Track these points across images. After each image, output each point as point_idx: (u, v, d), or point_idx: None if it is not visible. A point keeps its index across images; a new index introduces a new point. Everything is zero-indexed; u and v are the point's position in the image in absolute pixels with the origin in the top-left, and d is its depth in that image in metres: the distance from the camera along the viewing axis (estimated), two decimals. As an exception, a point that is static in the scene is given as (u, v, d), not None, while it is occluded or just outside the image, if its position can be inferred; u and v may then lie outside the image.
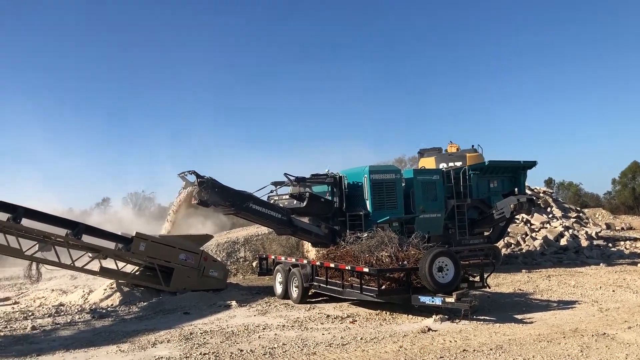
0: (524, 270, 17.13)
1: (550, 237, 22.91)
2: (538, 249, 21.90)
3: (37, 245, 12.56)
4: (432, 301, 9.98)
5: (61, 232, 12.95)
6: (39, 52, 69.39)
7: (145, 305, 12.71)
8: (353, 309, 11.49)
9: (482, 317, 10.12)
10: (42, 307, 13.17)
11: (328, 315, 10.86)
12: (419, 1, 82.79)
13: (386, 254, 11.08)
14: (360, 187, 15.74)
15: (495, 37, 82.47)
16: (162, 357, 8.03)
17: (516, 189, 18.43)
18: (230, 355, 8.00)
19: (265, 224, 15.69)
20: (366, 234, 12.30)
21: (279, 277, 13.53)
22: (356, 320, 10.32)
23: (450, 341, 8.40)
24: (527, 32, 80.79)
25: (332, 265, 11.58)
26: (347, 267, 11.06)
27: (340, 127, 78.44)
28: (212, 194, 13.95)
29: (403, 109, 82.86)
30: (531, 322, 9.65)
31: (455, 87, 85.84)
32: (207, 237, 15.54)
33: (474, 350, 7.82)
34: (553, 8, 79.87)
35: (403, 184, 16.18)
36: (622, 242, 24.47)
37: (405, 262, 10.86)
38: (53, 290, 15.51)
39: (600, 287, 13.36)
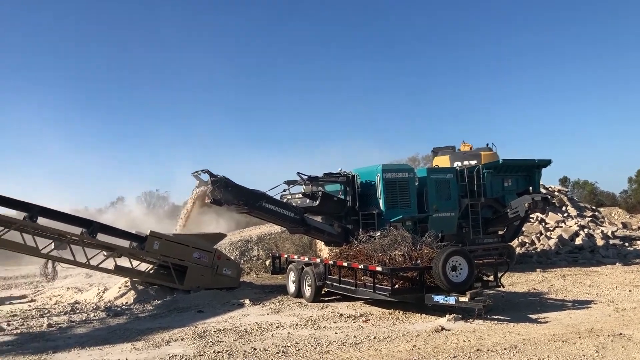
0: (538, 270, 16.99)
1: (565, 236, 22.67)
2: (553, 248, 21.68)
3: (53, 244, 12.71)
4: (446, 300, 9.93)
5: (76, 230, 13.11)
6: (47, 51, 70.14)
7: (160, 303, 12.80)
8: (366, 308, 11.47)
9: (496, 317, 10.04)
10: (58, 305, 13.35)
11: (341, 314, 10.86)
12: (419, 1, 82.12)
13: (399, 253, 11.05)
14: (373, 185, 15.71)
15: (495, 37, 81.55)
16: (175, 355, 8.08)
17: (531, 188, 18.25)
18: (244, 354, 8.02)
19: (278, 222, 15.75)
20: (379, 233, 12.26)
21: (291, 276, 13.54)
22: (369, 319, 10.30)
23: (464, 341, 8.35)
24: (527, 32, 79.81)
25: (345, 264, 11.56)
26: (360, 266, 11.05)
27: (340, 127, 78.14)
28: (226, 193, 14.01)
29: (403, 109, 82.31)
30: (546, 322, 9.56)
31: (455, 87, 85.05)
32: (221, 236, 15.62)
33: (488, 350, 7.76)
34: (553, 8, 78.89)
35: (416, 183, 16.14)
36: (638, 242, 24.10)
37: (419, 261, 10.82)
38: (68, 288, 15.68)
39: (617, 287, 13.20)
